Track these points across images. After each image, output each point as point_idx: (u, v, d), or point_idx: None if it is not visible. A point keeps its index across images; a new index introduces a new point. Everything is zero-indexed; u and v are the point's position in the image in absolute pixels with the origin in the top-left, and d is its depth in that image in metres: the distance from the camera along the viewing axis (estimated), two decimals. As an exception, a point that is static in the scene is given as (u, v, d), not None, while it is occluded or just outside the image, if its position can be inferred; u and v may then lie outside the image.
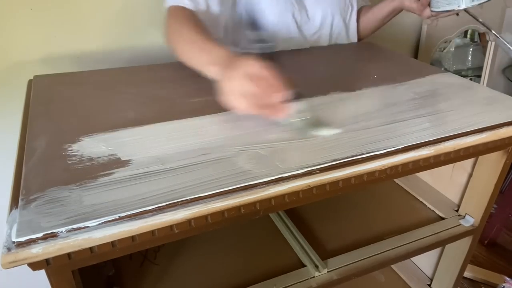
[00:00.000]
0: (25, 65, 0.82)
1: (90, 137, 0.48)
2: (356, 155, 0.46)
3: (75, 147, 0.46)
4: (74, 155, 0.44)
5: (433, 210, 0.75)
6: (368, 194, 0.80)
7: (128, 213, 0.36)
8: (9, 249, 0.33)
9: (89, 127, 0.50)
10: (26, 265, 0.34)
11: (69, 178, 0.40)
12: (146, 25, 0.91)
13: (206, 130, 0.51)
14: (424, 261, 0.88)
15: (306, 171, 0.43)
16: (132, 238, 0.37)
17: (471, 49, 1.69)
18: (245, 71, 0.49)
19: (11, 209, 0.37)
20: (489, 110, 0.58)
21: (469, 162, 0.70)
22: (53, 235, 0.34)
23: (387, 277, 0.94)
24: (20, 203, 0.37)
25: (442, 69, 1.57)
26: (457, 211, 0.75)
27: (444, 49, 1.67)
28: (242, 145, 0.47)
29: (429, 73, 0.73)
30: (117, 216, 0.36)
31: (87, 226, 0.35)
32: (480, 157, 0.67)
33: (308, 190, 0.44)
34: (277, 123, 0.52)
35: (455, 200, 0.76)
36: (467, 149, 0.53)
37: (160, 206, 0.37)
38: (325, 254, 0.63)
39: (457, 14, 0.77)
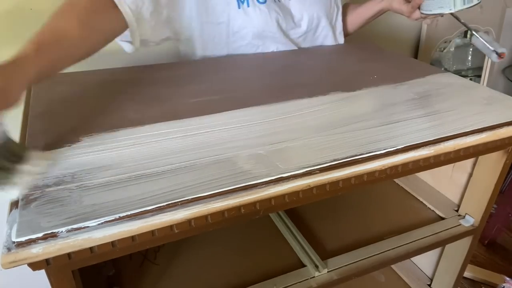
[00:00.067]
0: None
1: (90, 137, 0.48)
2: (356, 155, 0.46)
3: (73, 147, 0.46)
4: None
5: (433, 210, 0.75)
6: (368, 194, 0.80)
7: (128, 213, 0.36)
8: (9, 249, 0.33)
9: (89, 127, 0.50)
10: (26, 265, 0.34)
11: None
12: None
13: (206, 130, 0.51)
14: (424, 261, 0.88)
15: (306, 171, 0.43)
16: (132, 238, 0.37)
17: (471, 49, 1.69)
18: None
19: (11, 209, 0.37)
20: (489, 110, 0.58)
21: (469, 162, 0.70)
22: (53, 235, 0.34)
23: (387, 277, 0.94)
24: (20, 203, 0.37)
25: (442, 69, 1.57)
26: (457, 211, 0.75)
27: (444, 49, 1.67)
28: (242, 145, 0.47)
29: (429, 73, 0.73)
30: (117, 216, 0.36)
31: (87, 226, 0.35)
32: (480, 157, 0.67)
33: (308, 190, 0.44)
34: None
35: (455, 200, 0.76)
36: (467, 149, 0.53)
37: (160, 206, 0.37)
38: (325, 254, 0.63)
39: (442, 15, 0.78)
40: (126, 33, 0.65)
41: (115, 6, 0.59)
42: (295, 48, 0.85)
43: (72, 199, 0.37)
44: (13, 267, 0.33)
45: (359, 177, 0.47)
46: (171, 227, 0.38)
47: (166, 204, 0.37)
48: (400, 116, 0.56)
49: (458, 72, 1.70)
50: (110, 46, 0.89)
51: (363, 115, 0.56)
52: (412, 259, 0.91)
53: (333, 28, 0.89)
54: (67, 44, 0.51)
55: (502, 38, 1.57)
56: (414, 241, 0.67)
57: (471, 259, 0.91)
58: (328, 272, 0.60)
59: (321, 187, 0.44)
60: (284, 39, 0.82)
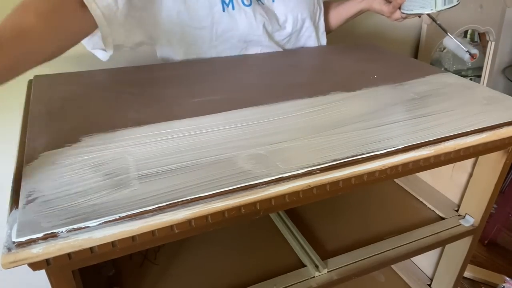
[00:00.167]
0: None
1: (90, 137, 0.48)
2: (356, 155, 0.46)
3: (73, 146, 0.46)
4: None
5: (433, 210, 0.76)
6: (368, 194, 0.80)
7: (128, 213, 0.36)
8: (9, 249, 0.32)
9: (89, 127, 0.50)
10: (26, 265, 0.34)
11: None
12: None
13: (206, 130, 0.51)
14: (424, 261, 0.88)
15: (306, 171, 0.43)
16: (132, 238, 0.37)
17: (471, 49, 1.69)
18: None
19: (11, 209, 0.37)
20: (489, 110, 0.59)
21: (469, 162, 0.70)
22: (53, 235, 0.34)
23: (387, 277, 0.94)
24: (20, 203, 0.37)
25: (442, 69, 1.57)
26: (457, 211, 0.75)
27: (444, 49, 1.67)
28: (242, 145, 0.47)
29: (429, 73, 0.73)
30: (117, 216, 0.36)
31: (87, 226, 0.35)
32: (480, 157, 0.67)
33: (308, 190, 0.44)
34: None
35: (455, 200, 0.76)
36: (467, 149, 0.53)
37: (160, 206, 0.37)
38: (325, 254, 0.63)
39: (419, 16, 0.79)
40: (98, 40, 0.63)
41: (83, 4, 0.56)
42: (280, 50, 0.84)
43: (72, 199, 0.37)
44: (13, 267, 0.33)
45: (359, 177, 0.47)
46: (171, 227, 0.38)
47: (166, 204, 0.37)
48: (400, 116, 0.56)
49: (458, 72, 1.70)
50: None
51: (363, 115, 0.56)
52: (412, 259, 0.91)
53: (316, 29, 0.88)
54: (28, 40, 0.48)
55: (502, 38, 1.57)
56: (414, 241, 0.67)
57: (471, 259, 0.91)
58: (328, 272, 0.60)
59: (321, 187, 0.44)
60: (269, 42, 0.81)
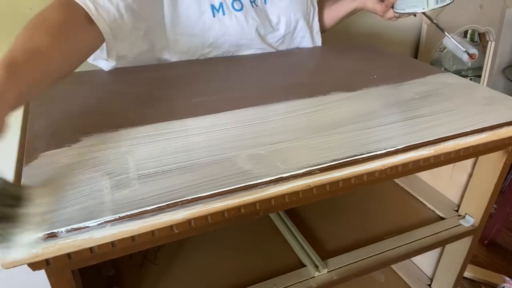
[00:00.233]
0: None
1: (90, 137, 0.48)
2: (356, 155, 0.46)
3: (73, 146, 0.46)
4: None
5: (433, 210, 0.76)
6: (368, 194, 0.80)
7: (128, 213, 0.36)
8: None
9: (89, 127, 0.50)
10: (26, 265, 0.34)
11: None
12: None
13: (206, 130, 0.51)
14: (424, 261, 0.88)
15: (306, 171, 0.43)
16: (132, 238, 0.37)
17: (471, 49, 1.69)
18: None
19: (11, 209, 0.37)
20: (489, 110, 0.58)
21: (469, 162, 0.70)
22: (53, 235, 0.34)
23: (387, 277, 0.94)
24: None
25: (442, 69, 1.57)
26: (457, 211, 0.75)
27: (444, 49, 1.67)
28: (242, 145, 0.47)
29: (429, 73, 0.73)
30: (117, 216, 0.36)
31: (87, 226, 0.35)
32: (480, 157, 0.67)
33: (308, 190, 0.44)
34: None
35: (455, 200, 0.76)
36: (467, 149, 0.53)
37: (160, 206, 0.37)
38: (325, 254, 0.63)
39: (415, 15, 0.79)
40: (99, 52, 0.62)
41: (91, 21, 0.56)
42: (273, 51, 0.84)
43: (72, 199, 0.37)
44: (13, 267, 0.33)
45: (359, 177, 0.47)
46: (171, 227, 0.38)
47: (166, 204, 0.37)
48: (400, 116, 0.56)
49: (458, 72, 1.70)
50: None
51: (363, 115, 0.56)
52: (412, 259, 0.91)
53: (310, 29, 0.88)
54: (43, 61, 0.46)
55: (502, 38, 1.57)
56: (414, 241, 0.67)
57: (471, 259, 0.91)
58: (328, 272, 0.60)
59: (321, 187, 0.44)
60: (262, 44, 0.80)
